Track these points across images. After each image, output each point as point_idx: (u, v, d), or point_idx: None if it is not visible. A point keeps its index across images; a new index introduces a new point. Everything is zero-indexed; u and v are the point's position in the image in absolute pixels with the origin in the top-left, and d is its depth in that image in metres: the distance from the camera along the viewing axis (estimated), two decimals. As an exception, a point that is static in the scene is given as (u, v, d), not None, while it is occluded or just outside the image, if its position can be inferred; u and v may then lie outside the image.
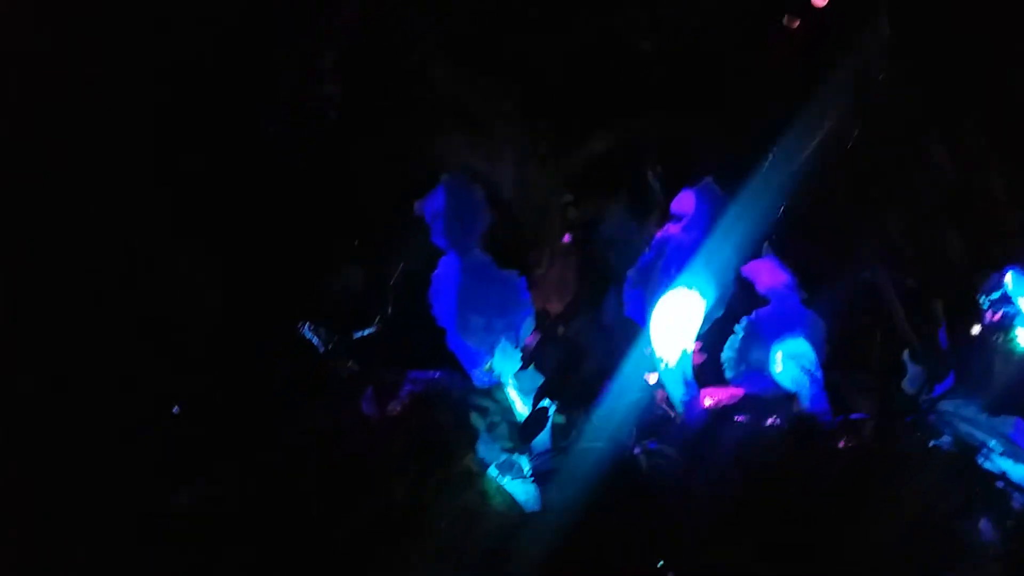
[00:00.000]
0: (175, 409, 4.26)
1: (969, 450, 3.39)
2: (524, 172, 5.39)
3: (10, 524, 3.79)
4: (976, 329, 4.34)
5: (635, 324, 4.13)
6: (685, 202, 4.14)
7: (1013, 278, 4.35)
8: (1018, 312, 4.30)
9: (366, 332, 4.87)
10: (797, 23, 6.20)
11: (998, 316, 4.31)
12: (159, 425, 4.01)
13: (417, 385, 4.32)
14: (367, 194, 5.37)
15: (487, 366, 4.20)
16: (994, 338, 4.23)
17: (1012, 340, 4.24)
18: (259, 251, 4.86)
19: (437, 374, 4.39)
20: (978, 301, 4.39)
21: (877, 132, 5.33)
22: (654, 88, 6.20)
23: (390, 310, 5.02)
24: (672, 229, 4.13)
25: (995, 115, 5.12)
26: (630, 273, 4.13)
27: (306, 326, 4.68)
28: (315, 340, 4.68)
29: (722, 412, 3.85)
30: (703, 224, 4.11)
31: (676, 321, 4.01)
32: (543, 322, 4.34)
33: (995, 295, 4.38)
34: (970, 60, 5.15)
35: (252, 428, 4.09)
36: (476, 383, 4.29)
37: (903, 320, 4.28)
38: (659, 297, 4.06)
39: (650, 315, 4.07)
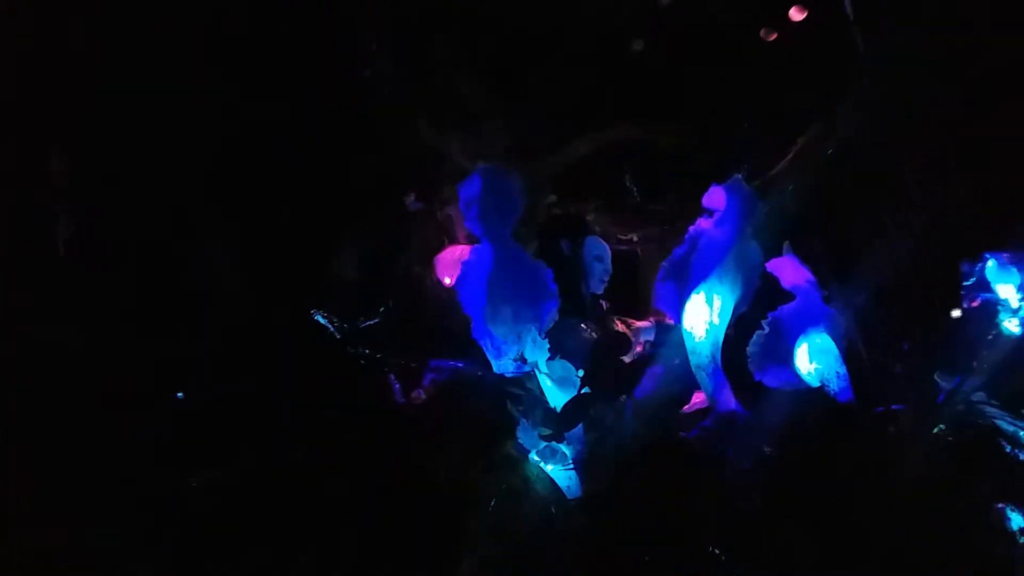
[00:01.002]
0: (179, 395, 4.16)
1: (999, 436, 3.54)
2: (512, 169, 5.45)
3: (26, 507, 3.63)
4: (956, 315, 4.58)
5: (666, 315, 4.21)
6: (716, 198, 4.23)
7: (995, 267, 4.60)
8: (998, 300, 4.56)
9: (371, 321, 4.84)
10: (774, 36, 6.46)
11: (976, 303, 4.55)
12: (186, 409, 3.90)
13: (440, 373, 4.29)
14: (366, 187, 5.36)
15: (517, 355, 4.19)
16: (982, 326, 4.45)
17: (999, 326, 4.47)
18: (269, 239, 4.80)
19: (460, 363, 4.36)
20: (958, 291, 4.64)
21: (862, 139, 5.60)
22: (636, 94, 6.38)
23: (391, 302, 5.01)
24: (704, 224, 4.22)
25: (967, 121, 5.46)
26: (663, 265, 4.20)
27: (317, 313, 4.62)
28: (329, 326, 4.62)
29: (758, 402, 3.93)
30: (733, 220, 4.20)
31: (708, 314, 4.09)
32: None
33: (969, 282, 4.63)
34: (945, 71, 5.48)
35: (281, 412, 4.00)
36: (501, 372, 4.28)
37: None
38: (692, 290, 4.14)
39: (683, 307, 4.14)
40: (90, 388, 3.89)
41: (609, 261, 4.80)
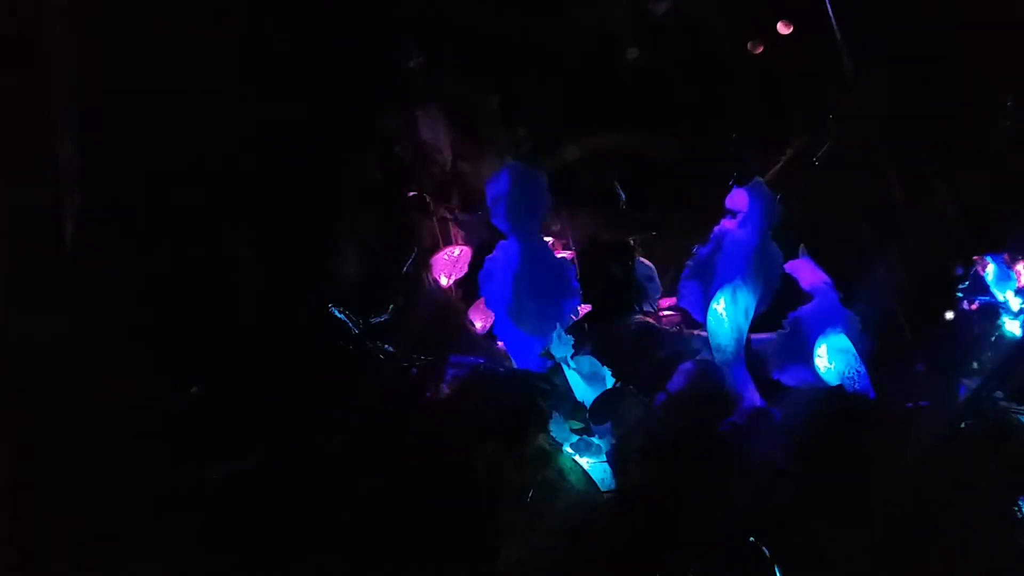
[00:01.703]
0: (194, 389, 4.09)
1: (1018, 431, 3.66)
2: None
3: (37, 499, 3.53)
4: (952, 316, 4.75)
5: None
6: (739, 199, 4.32)
7: (995, 270, 4.77)
8: (996, 301, 4.73)
9: (381, 318, 4.83)
10: (761, 49, 6.64)
11: (975, 306, 4.72)
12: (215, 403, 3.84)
13: (461, 369, 4.28)
14: (365, 187, 5.36)
15: (544, 351, 4.21)
16: (982, 327, 4.61)
17: (1000, 327, 4.64)
18: (272, 238, 4.75)
19: (480, 359, 4.37)
20: (955, 293, 4.82)
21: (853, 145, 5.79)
22: (625, 102, 6.50)
23: (400, 299, 5.01)
24: (728, 224, 4.30)
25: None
26: (689, 264, 4.27)
27: (334, 308, 4.59)
28: (347, 321, 4.59)
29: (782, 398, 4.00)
30: (756, 221, 4.29)
31: (734, 312, 4.16)
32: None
33: (964, 284, 4.80)
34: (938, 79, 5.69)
35: (304, 406, 3.95)
36: (526, 367, 4.30)
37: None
38: (717, 289, 4.21)
39: (707, 305, 4.21)
40: (90, 384, 3.79)
41: (657, 278, 5.02)
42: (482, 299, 5.27)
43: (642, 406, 3.93)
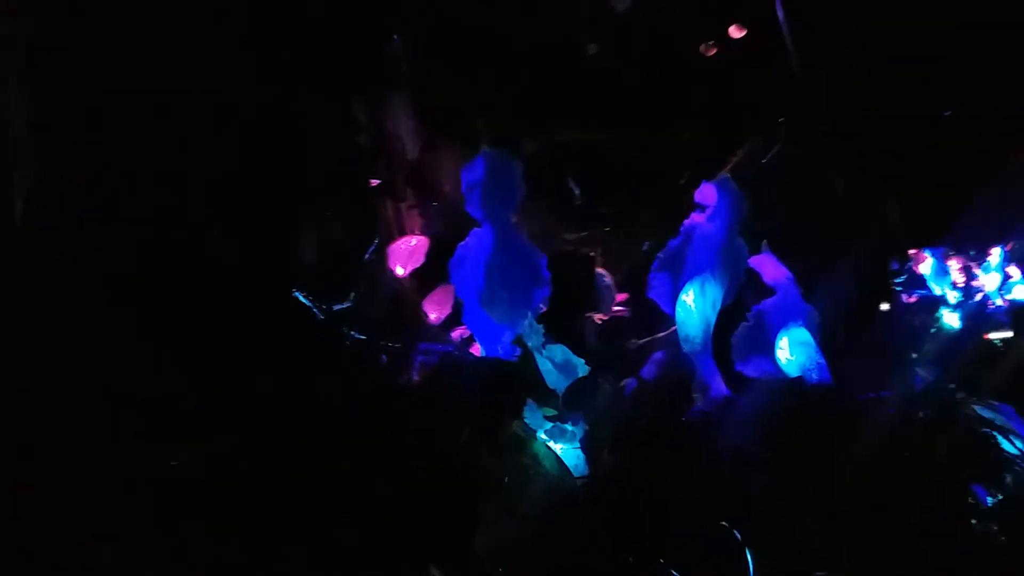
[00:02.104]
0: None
1: (974, 422, 3.84)
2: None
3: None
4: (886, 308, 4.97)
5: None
6: (708, 194, 4.42)
7: (933, 264, 5.01)
8: (934, 295, 4.97)
9: (343, 305, 4.81)
10: (714, 51, 6.80)
11: (913, 299, 4.94)
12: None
13: (431, 356, 4.29)
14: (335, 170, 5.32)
15: (515, 339, 4.25)
16: (922, 319, 4.83)
17: (939, 320, 4.87)
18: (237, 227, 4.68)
19: (449, 347, 4.38)
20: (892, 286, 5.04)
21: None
22: (582, 98, 6.58)
23: (363, 285, 4.99)
24: (697, 218, 4.39)
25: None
26: (658, 256, 4.35)
27: (298, 293, 4.54)
28: (312, 306, 4.55)
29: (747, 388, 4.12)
30: (724, 215, 4.40)
31: (702, 304, 4.26)
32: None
33: (901, 279, 5.03)
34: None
35: (276, 391, 3.90)
36: (493, 355, 4.32)
37: None
38: (687, 281, 4.30)
39: (677, 297, 4.30)
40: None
41: (612, 284, 5.13)
42: (438, 290, 5.30)
43: (613, 394, 3.99)
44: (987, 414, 3.69)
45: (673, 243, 4.31)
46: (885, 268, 5.23)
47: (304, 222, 5.09)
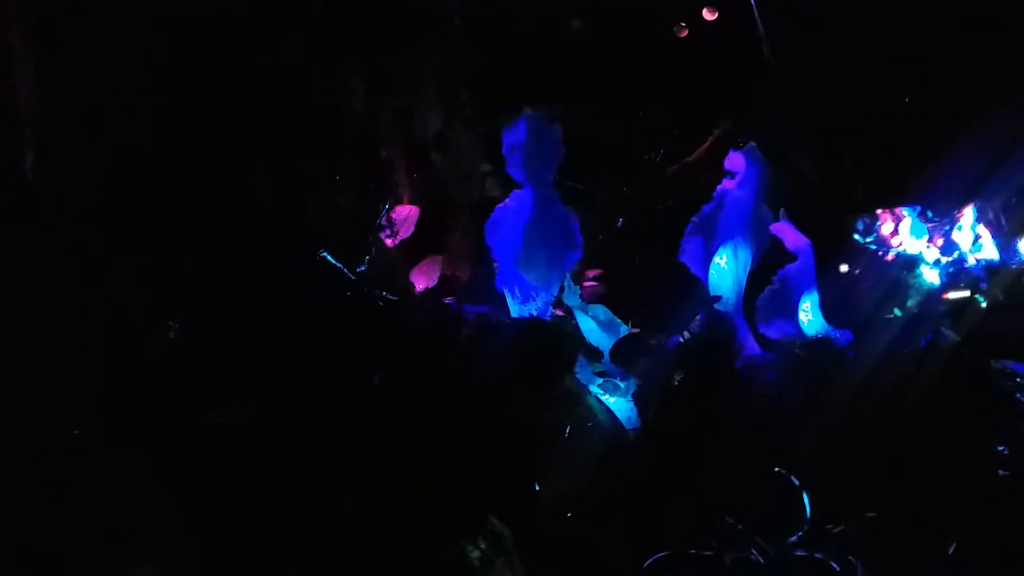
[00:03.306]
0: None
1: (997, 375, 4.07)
2: (452, 133, 5.59)
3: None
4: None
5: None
6: (736, 161, 4.57)
7: (911, 223, 5.23)
8: (911, 254, 5.18)
9: (362, 268, 4.79)
10: (686, 32, 6.93)
11: (891, 257, 5.14)
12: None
13: (478, 316, 4.32)
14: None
15: (555, 300, 4.31)
16: (901, 277, 5.05)
17: (918, 277, 5.08)
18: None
19: (484, 308, 4.42)
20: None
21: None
22: (557, 78, 6.65)
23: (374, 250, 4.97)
24: (728, 184, 4.53)
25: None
26: (692, 220, 4.46)
27: (327, 254, 4.51)
28: (340, 265, 4.52)
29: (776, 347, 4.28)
30: (752, 182, 4.55)
31: (735, 267, 4.40)
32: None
33: (870, 238, 5.23)
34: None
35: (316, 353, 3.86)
36: (532, 314, 4.36)
37: None
38: (720, 244, 4.43)
39: (711, 260, 4.43)
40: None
41: None
42: (425, 261, 5.31)
43: (660, 351, 4.09)
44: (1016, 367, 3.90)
45: (707, 207, 4.43)
46: (851, 228, 5.37)
47: (316, 188, 5.03)
